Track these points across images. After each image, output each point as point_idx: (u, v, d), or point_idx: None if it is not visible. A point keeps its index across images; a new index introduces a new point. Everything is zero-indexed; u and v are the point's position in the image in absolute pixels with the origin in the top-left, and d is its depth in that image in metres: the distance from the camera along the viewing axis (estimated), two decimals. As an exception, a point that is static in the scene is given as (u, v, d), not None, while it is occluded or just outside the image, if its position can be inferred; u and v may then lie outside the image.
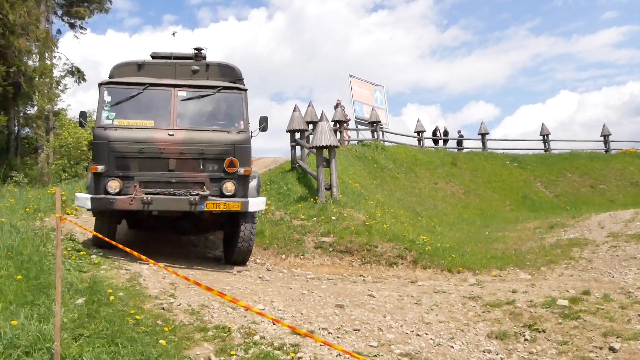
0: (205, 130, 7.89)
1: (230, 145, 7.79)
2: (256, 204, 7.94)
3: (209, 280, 7.14)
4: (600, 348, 5.16)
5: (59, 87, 23.93)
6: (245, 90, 8.27)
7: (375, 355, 4.91)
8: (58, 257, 4.31)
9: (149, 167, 7.54)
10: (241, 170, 7.76)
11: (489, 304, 6.64)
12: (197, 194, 7.57)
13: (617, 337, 5.33)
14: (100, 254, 7.84)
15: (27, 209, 9.15)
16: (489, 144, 26.86)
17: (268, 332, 5.25)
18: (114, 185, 7.48)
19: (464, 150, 26.29)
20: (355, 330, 5.58)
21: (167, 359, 4.37)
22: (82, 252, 7.49)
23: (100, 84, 7.89)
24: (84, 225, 7.03)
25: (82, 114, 8.20)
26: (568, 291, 7.02)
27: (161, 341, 4.68)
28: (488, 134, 26.90)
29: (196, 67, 8.75)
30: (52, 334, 4.17)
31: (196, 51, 9.03)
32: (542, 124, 28.21)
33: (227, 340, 4.95)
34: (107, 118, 7.67)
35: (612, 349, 5.10)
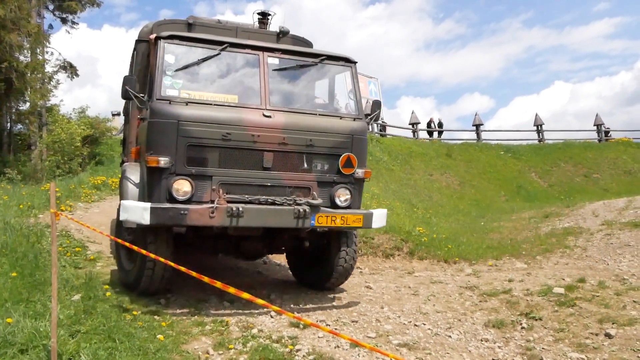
0: (312, 114, 5.86)
1: (348, 137, 5.77)
2: (380, 218, 5.93)
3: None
4: (596, 334, 5.19)
5: (52, 82, 23.76)
6: (355, 63, 6.23)
7: (374, 346, 4.91)
8: (54, 253, 4.28)
9: (234, 163, 5.38)
10: (359, 172, 5.83)
11: (486, 293, 6.66)
12: (307, 204, 5.54)
13: (613, 324, 5.36)
14: (98, 250, 7.82)
15: (21, 206, 9.11)
16: (484, 135, 26.92)
17: (266, 325, 5.26)
18: (183, 187, 5.21)
19: (459, 142, 26.32)
20: (353, 321, 5.59)
21: (165, 353, 4.36)
22: (77, 249, 7.47)
23: (157, 38, 5.56)
24: (80, 221, 7.00)
25: (129, 81, 5.52)
26: (564, 279, 7.05)
27: (159, 336, 4.67)
28: (482, 125, 26.96)
29: (285, 28, 6.81)
30: (48, 331, 4.15)
31: (261, 16, 7.06)
32: (536, 115, 28.31)
33: (225, 334, 4.95)
34: (172, 87, 5.46)
35: (608, 335, 5.12)
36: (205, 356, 4.50)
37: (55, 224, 4.44)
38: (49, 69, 24.10)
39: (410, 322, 5.66)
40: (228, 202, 5.28)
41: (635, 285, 6.59)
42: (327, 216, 5.56)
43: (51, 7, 26.88)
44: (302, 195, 5.57)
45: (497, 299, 6.40)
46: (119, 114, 27.05)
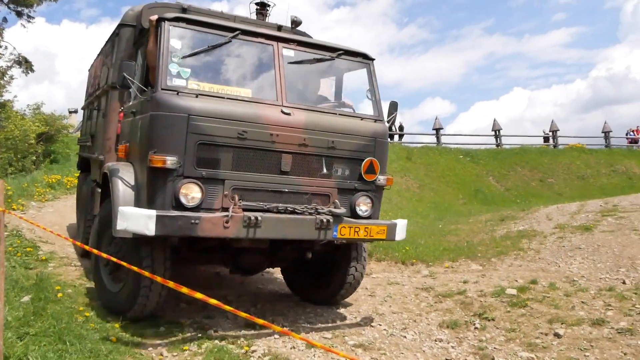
0: (332, 114, 5.37)
1: (371, 140, 5.31)
2: (402, 229, 5.44)
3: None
4: (546, 334, 5.34)
5: (5, 78, 23.07)
6: (373, 60, 5.74)
7: (330, 346, 4.93)
8: (1, 252, 4.16)
9: (249, 165, 4.78)
10: (381, 179, 5.39)
11: (441, 294, 6.77)
12: (329, 213, 5.02)
13: (562, 324, 5.52)
14: (50, 251, 7.64)
15: (-29, 205, 8.80)
16: (444, 139, 27.31)
17: (222, 327, 5.23)
18: (192, 192, 4.57)
19: (420, 145, 26.65)
20: (309, 322, 5.60)
21: (117, 355, 4.28)
22: (28, 249, 7.27)
23: (161, 19, 4.85)
24: (32, 220, 6.82)
25: (128, 67, 4.99)
26: (517, 281, 7.22)
27: (111, 338, 4.59)
28: (442, 129, 27.35)
29: (297, 18, 6.12)
30: (-5, 333, 4.03)
31: (259, 7, 6.48)
32: (494, 120, 28.88)
33: (180, 336, 4.90)
34: (179, 76, 4.79)
35: (556, 335, 5.28)
36: (159, 358, 4.45)
37: (4, 222, 4.31)
38: (2, 63, 23.43)
39: (367, 322, 5.71)
40: (246, 209, 4.69)
41: (584, 287, 6.79)
42: (350, 227, 5.04)
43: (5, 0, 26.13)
44: (321, 203, 5.05)
45: (452, 300, 6.51)
46: (76, 111, 26.44)
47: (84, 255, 7.44)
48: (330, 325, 5.58)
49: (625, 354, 4.85)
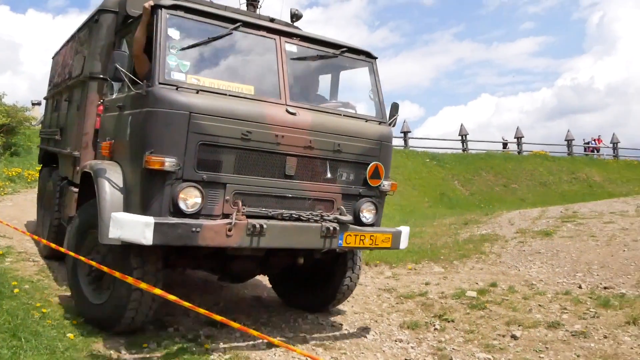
0: (336, 114, 5.10)
1: (376, 143, 5.08)
2: (405, 237, 5.24)
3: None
4: (503, 336, 5.45)
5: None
6: (376, 58, 5.54)
7: (291, 345, 4.95)
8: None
9: (252, 169, 4.47)
10: (385, 185, 5.16)
11: (403, 295, 6.85)
12: (335, 220, 4.76)
13: (519, 326, 5.65)
14: (8, 245, 7.47)
15: None
16: (411, 142, 27.61)
17: (182, 324, 5.19)
18: (193, 197, 4.22)
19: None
20: (271, 321, 5.60)
21: (74, 352, 4.22)
22: (-15, 243, 7.10)
23: (157, 6, 4.44)
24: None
25: (120, 57, 4.52)
26: (477, 283, 7.34)
27: (69, 334, 4.52)
28: (410, 132, 27.65)
29: (299, 11, 5.73)
30: (-54, 328, 3.93)
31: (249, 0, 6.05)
32: (461, 125, 29.34)
33: (139, 333, 4.84)
34: (178, 70, 4.39)
35: (513, 337, 5.39)
36: (117, 355, 4.39)
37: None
38: (-36, 53, 22.76)
39: (328, 322, 5.74)
40: (249, 216, 4.37)
41: (541, 290, 6.95)
42: (355, 235, 4.79)
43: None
44: (324, 210, 4.78)
45: (413, 301, 6.59)
46: (39, 104, 25.86)
47: (49, 256, 7.09)
48: (291, 324, 5.59)
49: (578, 356, 4.98)
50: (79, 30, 6.80)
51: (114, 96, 5.11)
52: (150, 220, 3.95)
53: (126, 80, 4.38)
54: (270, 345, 4.74)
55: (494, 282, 7.28)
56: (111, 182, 4.50)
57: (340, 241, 4.72)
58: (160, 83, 4.24)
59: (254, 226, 4.27)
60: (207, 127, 4.25)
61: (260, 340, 4.82)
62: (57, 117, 7.47)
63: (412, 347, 5.19)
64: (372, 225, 5.07)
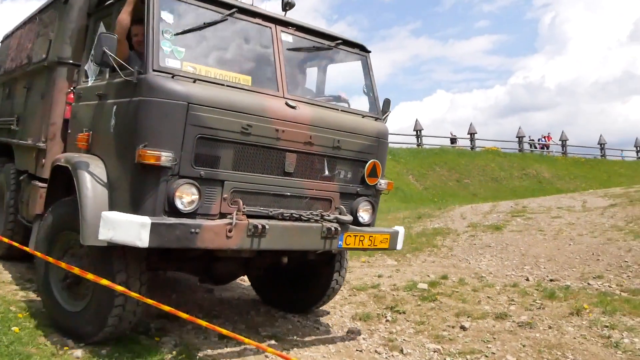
0: (334, 109, 4.88)
1: (375, 140, 4.89)
2: (402, 237, 5.09)
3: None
4: (453, 327, 5.57)
5: None
6: (369, 52, 5.33)
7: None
8: None
9: (251, 165, 4.21)
10: (382, 184, 4.98)
11: (356, 287, 6.91)
12: (335, 220, 4.51)
13: (468, 317, 5.78)
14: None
15: None
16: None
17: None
18: (190, 195, 3.90)
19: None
20: (224, 313, 5.57)
21: (20, 346, 4.09)
22: None
23: None
24: None
25: (108, 40, 4.02)
26: (429, 276, 7.47)
27: (14, 328, 4.37)
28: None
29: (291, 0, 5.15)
30: None
31: None
32: (416, 120, 29.79)
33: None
34: (173, 56, 4.07)
35: (462, 328, 5.51)
36: (64, 349, 4.27)
37: None
38: None
39: (281, 314, 5.74)
40: (250, 215, 4.09)
41: (490, 283, 7.13)
42: (355, 236, 4.57)
43: None
44: (321, 209, 4.53)
45: (366, 294, 6.66)
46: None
47: (3, 256, 6.57)
48: (244, 317, 5.56)
49: (524, 345, 5.13)
50: (41, 11, 6.28)
51: (89, 84, 4.75)
52: (147, 220, 3.60)
53: (115, 66, 3.96)
54: (221, 337, 4.71)
55: (445, 275, 7.42)
56: (94, 178, 4.12)
57: (340, 242, 4.49)
58: (154, 70, 3.90)
59: (255, 227, 3.98)
60: (206, 119, 3.94)
61: (212, 332, 4.78)
62: (12, 106, 6.87)
63: (363, 339, 5.24)
64: (368, 225, 4.87)
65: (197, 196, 3.90)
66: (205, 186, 3.97)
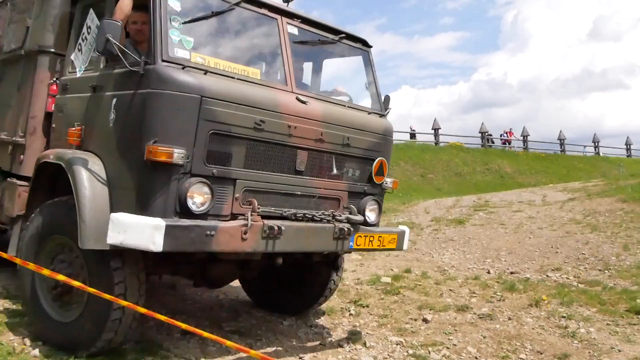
0: (342, 105, 4.69)
1: (382, 137, 4.75)
2: (407, 238, 4.91)
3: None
4: (415, 319, 5.64)
5: None
6: (371, 47, 5.19)
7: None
8: None
9: (263, 163, 4.00)
10: (388, 182, 4.83)
11: (320, 282, 6.93)
12: (347, 220, 4.33)
13: (430, 310, 5.86)
14: None
15: None
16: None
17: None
18: (203, 195, 3.66)
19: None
20: (187, 309, 5.52)
21: (-26, 345, 3.99)
22: None
23: None
24: None
25: (112, 27, 3.73)
26: (392, 270, 7.55)
27: (-32, 326, 4.27)
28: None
29: None
30: None
31: None
32: (382, 115, 29.95)
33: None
34: (181, 46, 3.82)
35: (425, 320, 5.59)
36: (21, 347, 4.17)
37: None
38: None
39: (244, 310, 5.72)
40: (264, 216, 3.86)
41: (453, 276, 7.24)
42: (365, 236, 4.40)
43: None
44: (330, 209, 4.35)
45: (330, 288, 6.68)
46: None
47: None
48: (207, 312, 5.53)
49: (484, 337, 5.23)
50: None
51: (78, 74, 4.43)
52: (161, 222, 3.32)
53: (120, 55, 3.66)
54: (184, 333, 4.66)
55: (408, 269, 7.51)
56: (93, 176, 3.82)
57: (351, 243, 4.31)
58: (164, 60, 3.65)
59: (270, 228, 3.76)
60: (219, 114, 3.70)
61: (175, 328, 4.73)
62: None
63: (327, 332, 5.26)
64: (374, 225, 4.70)
65: (210, 196, 3.66)
66: (217, 185, 3.72)
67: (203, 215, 3.64)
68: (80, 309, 3.95)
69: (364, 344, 4.95)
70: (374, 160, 4.64)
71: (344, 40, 4.92)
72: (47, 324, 4.15)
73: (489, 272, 7.49)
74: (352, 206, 4.46)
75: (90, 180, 3.79)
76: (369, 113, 4.86)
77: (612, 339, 5.21)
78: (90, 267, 3.84)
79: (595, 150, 37.13)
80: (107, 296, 3.48)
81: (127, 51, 3.71)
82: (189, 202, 3.57)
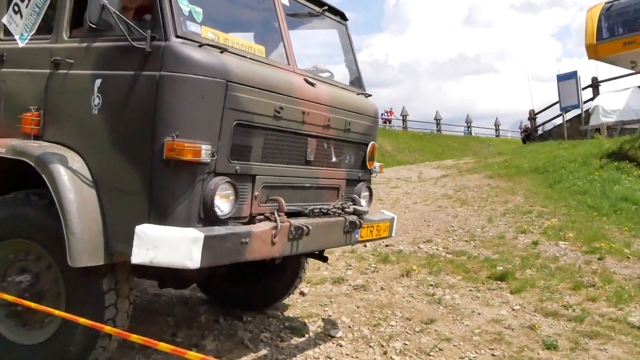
0: (340, 87, 4.25)
1: (374, 120, 4.41)
2: (395, 223, 4.63)
3: None
4: (293, 294, 5.72)
5: None
6: (347, 20, 4.71)
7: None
8: None
9: (277, 155, 3.52)
10: (377, 167, 4.54)
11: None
12: (354, 212, 4.00)
13: (308, 283, 5.98)
14: None
15: None
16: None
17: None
18: (228, 196, 3.17)
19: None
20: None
21: None
22: None
23: None
24: None
25: None
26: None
27: None
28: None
29: None
30: None
31: None
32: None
33: None
34: (192, 19, 3.19)
35: (302, 294, 5.70)
36: None
37: None
38: None
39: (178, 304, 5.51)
40: (288, 214, 3.46)
41: (331, 250, 7.40)
42: (367, 227, 4.08)
43: None
44: (329, 199, 4.03)
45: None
46: None
47: None
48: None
49: (358, 307, 5.42)
50: None
51: (21, 43, 3.64)
52: (199, 234, 2.79)
53: (121, 26, 3.02)
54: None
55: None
56: (78, 177, 3.14)
57: (356, 236, 4.01)
58: (178, 36, 3.02)
59: (298, 229, 3.36)
60: (244, 101, 3.16)
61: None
62: None
63: (203, 310, 5.21)
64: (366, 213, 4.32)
65: (234, 197, 3.19)
66: (239, 183, 3.24)
67: (226, 220, 3.16)
68: (50, 331, 3.32)
69: (240, 319, 4.95)
70: (367, 144, 4.34)
71: (328, 15, 4.52)
72: (5, 347, 3.44)
73: (365, 246, 7.73)
74: (355, 195, 4.21)
75: (73, 181, 3.11)
76: (358, 94, 4.44)
77: (473, 304, 5.60)
78: (72, 285, 3.23)
79: (468, 130, 39.42)
80: (99, 326, 2.94)
81: (131, 23, 3.03)
82: (217, 206, 3.08)
